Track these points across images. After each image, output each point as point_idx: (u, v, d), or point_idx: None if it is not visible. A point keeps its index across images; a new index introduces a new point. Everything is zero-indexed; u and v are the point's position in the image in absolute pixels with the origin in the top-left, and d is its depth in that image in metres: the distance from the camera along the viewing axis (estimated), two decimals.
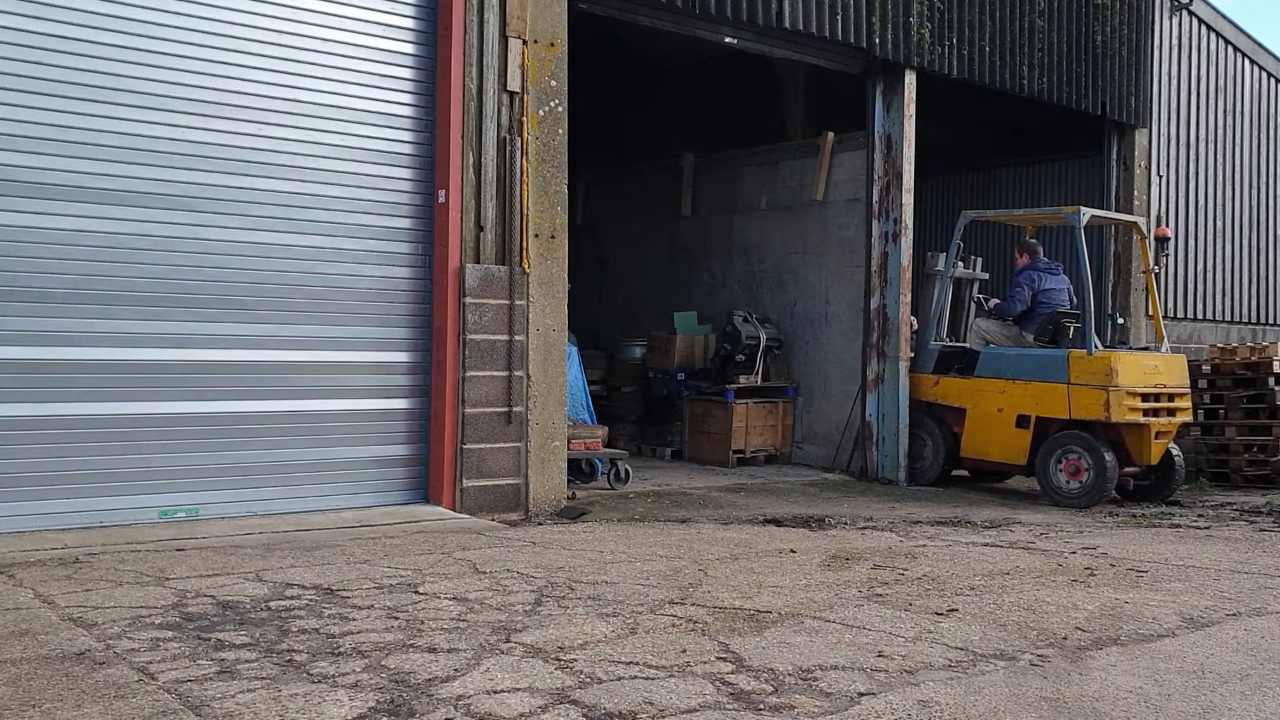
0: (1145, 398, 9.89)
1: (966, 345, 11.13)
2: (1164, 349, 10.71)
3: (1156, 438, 9.98)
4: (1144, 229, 11.42)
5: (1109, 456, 9.71)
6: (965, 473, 11.27)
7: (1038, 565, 6.54)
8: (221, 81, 7.26)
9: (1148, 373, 10.01)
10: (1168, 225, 13.80)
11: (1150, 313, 11.73)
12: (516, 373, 8.22)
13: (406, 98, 8.04)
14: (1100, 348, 10.07)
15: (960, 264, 11.40)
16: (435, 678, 3.95)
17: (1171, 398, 10.12)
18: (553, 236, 8.49)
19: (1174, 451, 10.31)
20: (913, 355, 11.32)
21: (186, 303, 7.14)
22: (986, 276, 11.96)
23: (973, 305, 11.62)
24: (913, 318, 11.73)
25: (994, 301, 11.41)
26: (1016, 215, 12.03)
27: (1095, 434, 9.86)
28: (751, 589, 5.58)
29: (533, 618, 4.85)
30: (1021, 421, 10.24)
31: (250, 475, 7.36)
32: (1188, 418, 10.55)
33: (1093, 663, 4.38)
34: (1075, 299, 10.89)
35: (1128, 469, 10.04)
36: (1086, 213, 10.41)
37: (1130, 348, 11.24)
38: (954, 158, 15.67)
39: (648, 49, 13.83)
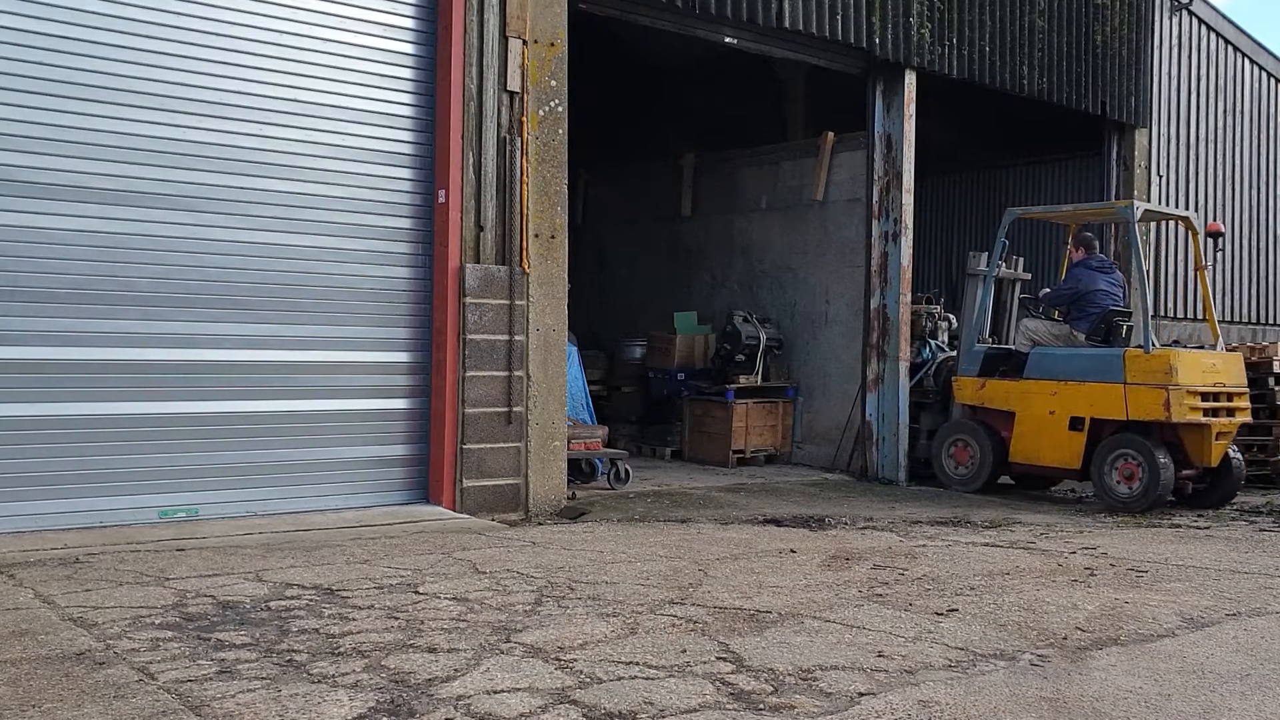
0: (1205, 397, 9.44)
1: (1012, 347, 10.73)
2: (1219, 347, 10.29)
3: (1216, 439, 9.55)
4: (1196, 224, 10.81)
5: (1163, 459, 9.28)
6: (1009, 479, 10.81)
7: (1038, 565, 6.54)
8: (221, 81, 7.27)
9: (1206, 371, 9.55)
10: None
11: (1204, 312, 11.18)
12: (516, 373, 8.22)
13: (406, 98, 8.04)
14: (1157, 345, 9.64)
15: (1002, 264, 11.00)
16: (435, 678, 3.95)
17: (1230, 397, 9.68)
18: (553, 236, 8.49)
19: (1233, 454, 9.85)
20: (934, 360, 11.06)
21: (187, 303, 7.14)
22: (1028, 277, 11.67)
23: (1015, 306, 11.27)
24: (950, 316, 11.49)
25: (1045, 291, 10.93)
26: (1064, 212, 11.50)
27: (1152, 435, 9.45)
28: (751, 589, 5.58)
29: (533, 618, 4.85)
30: (1075, 424, 9.80)
31: (250, 475, 7.36)
32: (1247, 418, 10.04)
33: (1093, 663, 4.38)
34: (1125, 297, 10.48)
35: (1185, 472, 9.59)
36: (1140, 206, 10.02)
37: (1186, 346, 10.73)
38: (954, 158, 15.67)
39: (648, 49, 13.84)
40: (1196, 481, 9.83)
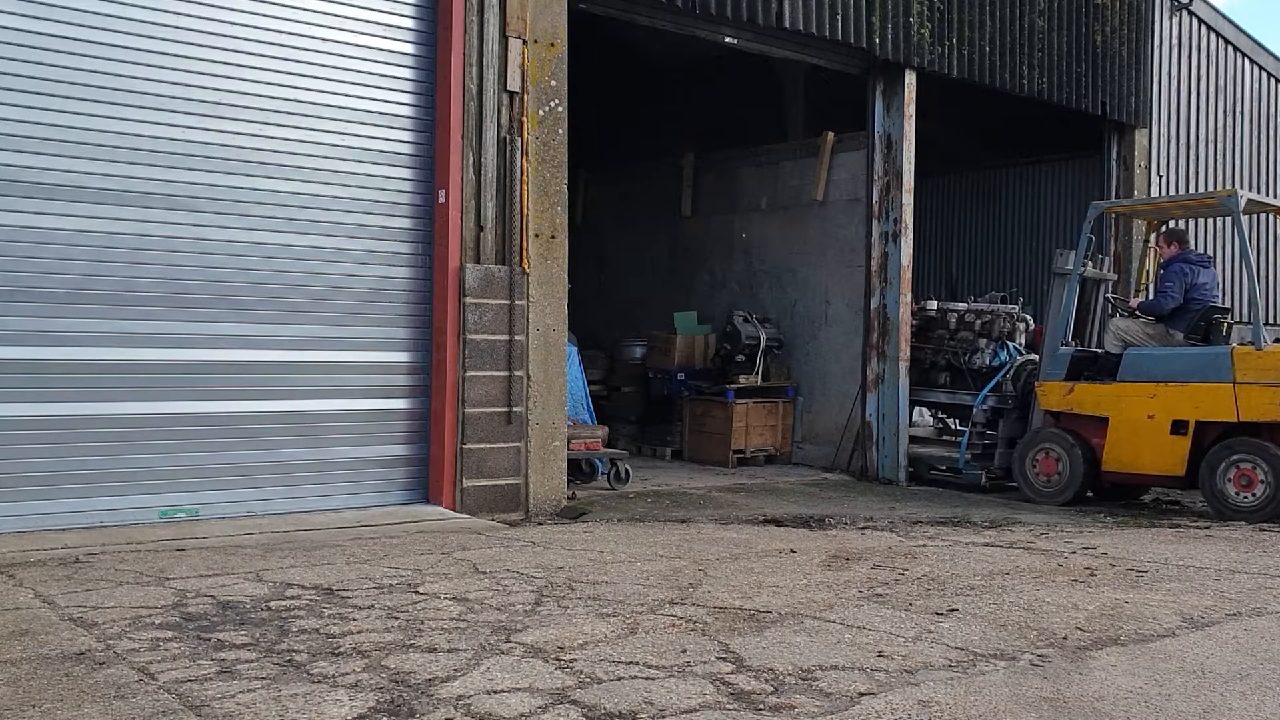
0: None
1: (1100, 349, 10.26)
2: None
3: None
4: None
5: None
6: (1091, 492, 10.16)
7: (1038, 565, 6.54)
8: (221, 81, 7.27)
9: None
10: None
11: None
12: (516, 373, 8.22)
13: (406, 98, 8.04)
14: (1269, 342, 9.11)
15: (1088, 263, 10.50)
16: (435, 678, 3.95)
17: None
18: (553, 236, 8.49)
19: None
20: (1011, 364, 10.79)
21: (187, 303, 7.14)
22: (1114, 277, 11.33)
23: (1101, 306, 10.84)
24: (1026, 316, 11.18)
25: (1137, 300, 10.45)
26: (1159, 203, 10.90)
27: (1264, 438, 8.97)
28: (751, 589, 5.57)
29: (533, 618, 4.85)
30: (1177, 428, 9.25)
31: (250, 475, 7.36)
32: None
33: (1093, 663, 4.38)
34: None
35: None
36: (1244, 196, 9.55)
37: None
38: (954, 158, 15.66)
39: (648, 49, 13.84)
40: None
